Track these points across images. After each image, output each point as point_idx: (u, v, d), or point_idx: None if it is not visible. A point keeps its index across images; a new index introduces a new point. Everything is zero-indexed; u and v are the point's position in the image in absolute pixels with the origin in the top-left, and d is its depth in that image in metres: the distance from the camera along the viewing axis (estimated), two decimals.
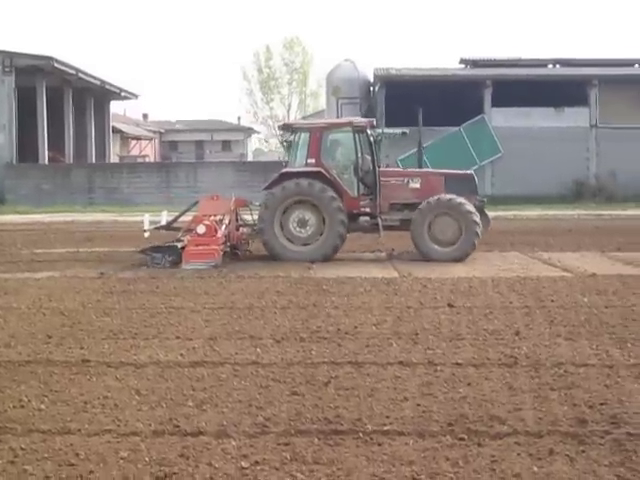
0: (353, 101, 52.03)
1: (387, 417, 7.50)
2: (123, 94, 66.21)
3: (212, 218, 20.55)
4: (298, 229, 20.80)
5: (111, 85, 62.48)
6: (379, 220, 20.96)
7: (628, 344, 10.42)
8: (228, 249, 21.09)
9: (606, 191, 47.06)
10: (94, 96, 62.04)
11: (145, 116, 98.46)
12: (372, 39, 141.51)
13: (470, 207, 20.44)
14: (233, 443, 6.88)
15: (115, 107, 71.90)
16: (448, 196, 20.57)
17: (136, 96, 69.27)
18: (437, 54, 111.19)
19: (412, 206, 20.99)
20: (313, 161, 20.90)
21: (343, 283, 16.15)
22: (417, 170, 22.66)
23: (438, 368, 9.27)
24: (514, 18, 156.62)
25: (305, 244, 20.77)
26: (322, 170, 20.74)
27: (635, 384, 8.57)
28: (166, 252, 19.87)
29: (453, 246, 20.38)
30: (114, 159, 68.52)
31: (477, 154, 46.09)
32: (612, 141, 48.97)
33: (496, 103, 48.82)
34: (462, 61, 54.73)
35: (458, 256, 20.25)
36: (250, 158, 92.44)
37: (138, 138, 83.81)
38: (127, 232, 28.50)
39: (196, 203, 21.99)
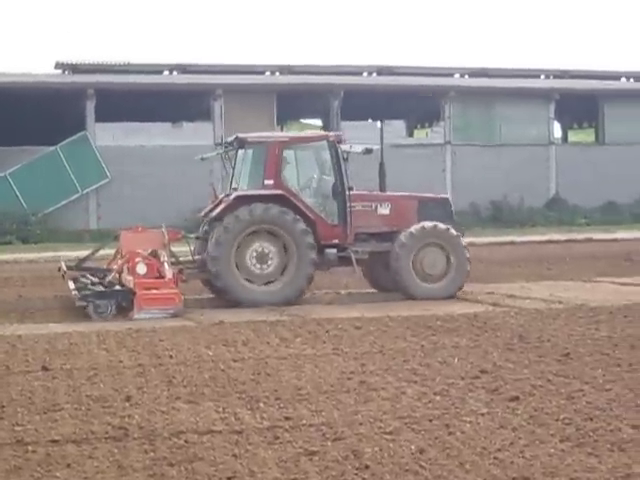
0: None
1: None
2: None
3: (143, 255, 19.90)
4: (257, 265, 20.03)
5: None
6: (351, 253, 20.40)
7: (260, 404, 10.77)
8: None
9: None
10: None
11: None
12: None
13: (458, 234, 20.71)
14: None
15: None
16: (431, 223, 20.51)
17: None
18: (36, 58, 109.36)
19: (379, 236, 20.86)
20: (271, 182, 20.25)
21: None
22: (387, 194, 21.90)
23: (30, 448, 9.11)
24: (123, 19, 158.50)
25: (265, 283, 20.13)
26: (285, 193, 20.15)
27: (269, 450, 8.84)
28: (114, 297, 19.09)
29: (441, 281, 20.50)
30: None
31: (78, 180, 45.53)
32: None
33: (102, 117, 48.17)
34: (58, 65, 53.02)
35: (451, 292, 20.49)
36: None
37: None
38: None
39: (116, 238, 21.48)
